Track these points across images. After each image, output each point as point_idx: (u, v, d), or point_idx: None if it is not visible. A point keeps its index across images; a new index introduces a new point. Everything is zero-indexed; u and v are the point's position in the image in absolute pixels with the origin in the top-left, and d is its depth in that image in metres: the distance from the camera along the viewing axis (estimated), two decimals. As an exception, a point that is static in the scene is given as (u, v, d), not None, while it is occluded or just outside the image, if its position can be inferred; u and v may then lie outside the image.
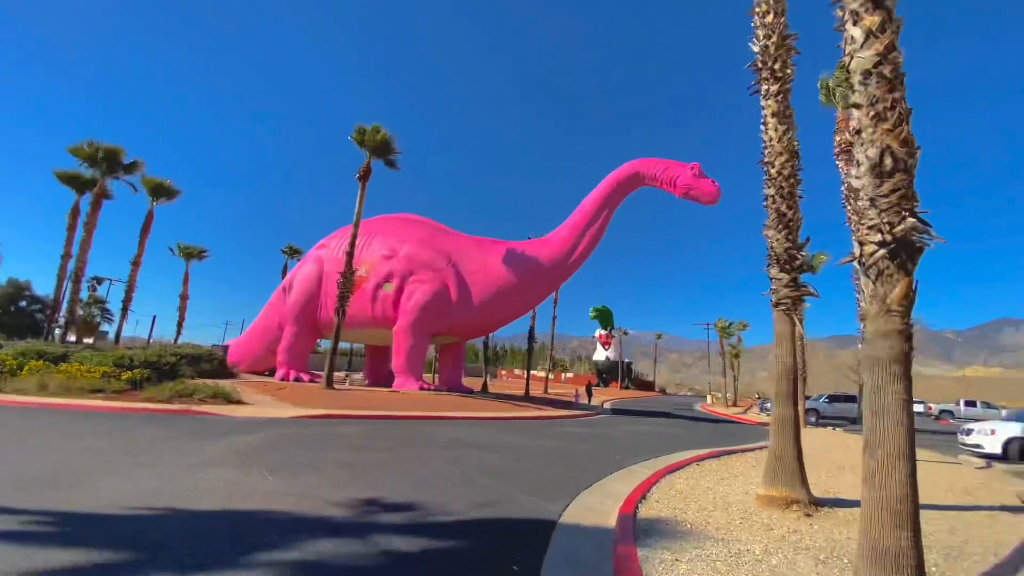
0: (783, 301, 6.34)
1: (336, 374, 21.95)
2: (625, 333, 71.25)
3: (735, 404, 44.05)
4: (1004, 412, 29.22)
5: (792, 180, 6.47)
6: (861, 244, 3.38)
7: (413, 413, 14.85)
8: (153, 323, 48.12)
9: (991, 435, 13.01)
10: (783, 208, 6.43)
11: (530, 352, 32.11)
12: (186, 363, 22.29)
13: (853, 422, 25.46)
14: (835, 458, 10.83)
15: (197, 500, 4.62)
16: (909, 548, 2.91)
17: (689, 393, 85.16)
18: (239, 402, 14.68)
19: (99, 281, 46.25)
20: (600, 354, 71.82)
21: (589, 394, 30.35)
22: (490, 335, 32.79)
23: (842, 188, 12.31)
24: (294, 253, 41.79)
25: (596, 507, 5.64)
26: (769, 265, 6.59)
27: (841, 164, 12.34)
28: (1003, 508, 6.64)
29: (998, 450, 12.67)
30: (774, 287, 6.45)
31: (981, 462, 12.06)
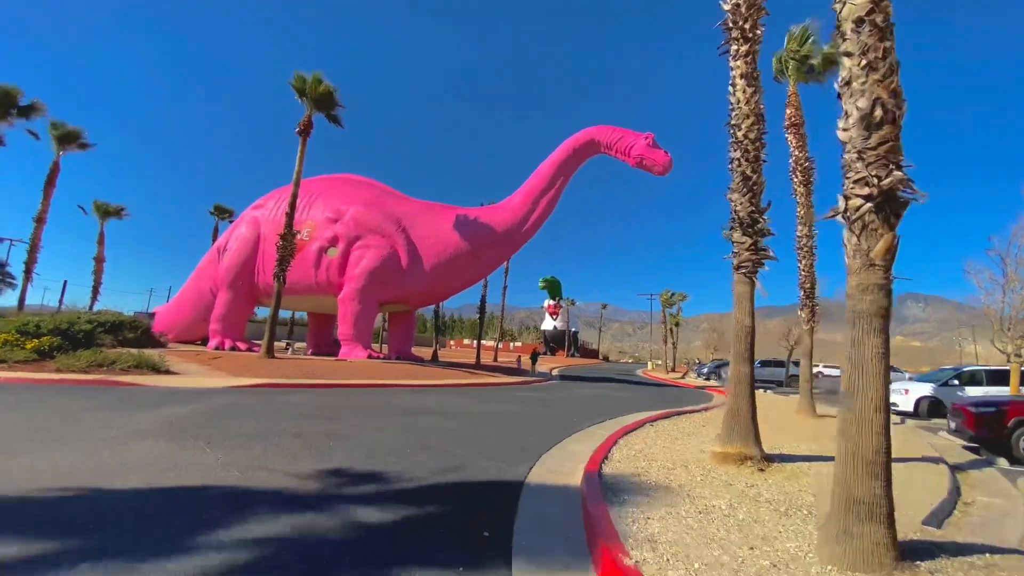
0: (744, 264, 6.41)
1: (276, 343, 20.84)
2: (572, 303, 72.68)
3: (673, 370, 46.37)
4: (907, 375, 32.72)
5: (758, 144, 6.46)
6: (846, 198, 3.32)
7: (363, 381, 14.34)
8: (64, 289, 43.20)
9: (905, 395, 14.33)
10: (748, 171, 6.43)
11: (481, 321, 31.97)
12: (105, 331, 20.45)
13: (780, 385, 27.45)
14: (771, 418, 11.49)
15: (125, 477, 4.08)
16: (882, 497, 2.97)
17: (630, 360, 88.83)
18: (168, 372, 13.58)
19: (-5, 241, 41.15)
20: (548, 323, 73.03)
21: (534, 361, 30.78)
22: (440, 304, 32.34)
23: (790, 161, 12.70)
24: (223, 214, 38.91)
25: (559, 468, 5.58)
26: (732, 228, 6.62)
27: (791, 138, 12.68)
28: (923, 459, 7.23)
29: (911, 408, 13.99)
30: (736, 251, 6.50)
31: (896, 419, 13.27)
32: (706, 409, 12.38)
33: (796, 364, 27.38)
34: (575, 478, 5.19)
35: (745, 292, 6.38)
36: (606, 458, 6.02)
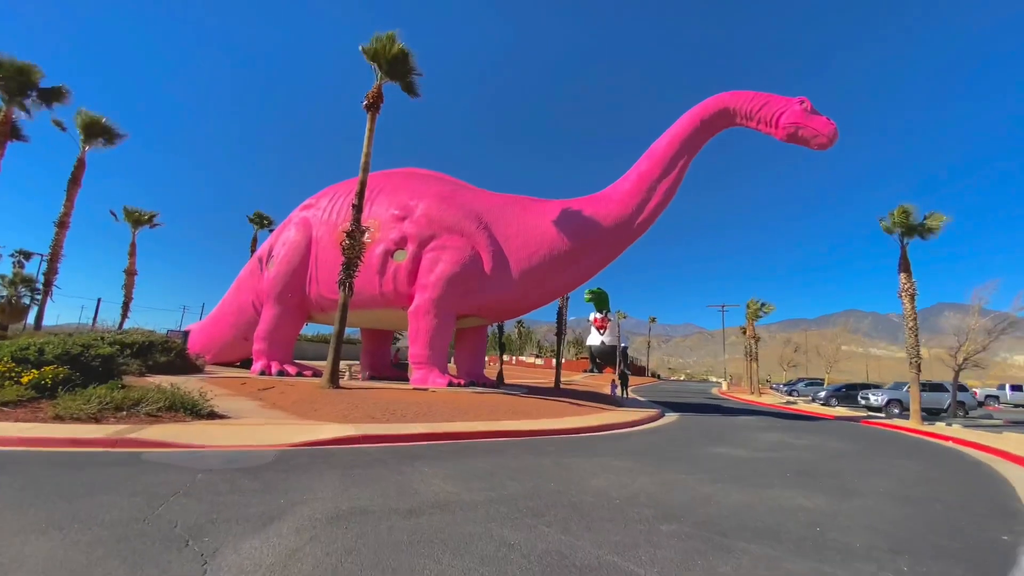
0: None
1: (317, 363, 16.76)
2: (624, 316, 67.58)
3: (758, 391, 41.03)
4: None
5: None
6: None
7: (479, 427, 10.14)
8: (98, 307, 40.40)
9: None
10: None
11: (559, 338, 27.55)
12: (132, 355, 16.93)
13: (940, 413, 22.22)
14: None
15: None
16: None
17: (683, 378, 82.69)
18: (211, 415, 9.63)
19: (26, 256, 38.88)
20: (595, 338, 68.05)
21: (624, 385, 26.18)
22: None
23: None
24: (263, 222, 35.79)
25: None
26: None
27: None
28: None
29: None
30: None
31: None
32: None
33: (963, 389, 22.20)
34: None
35: None
36: None
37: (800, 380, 42.34)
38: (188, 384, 11.79)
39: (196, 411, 9.48)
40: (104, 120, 20.63)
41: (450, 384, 16.52)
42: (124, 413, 8.87)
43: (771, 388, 43.74)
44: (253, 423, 9.45)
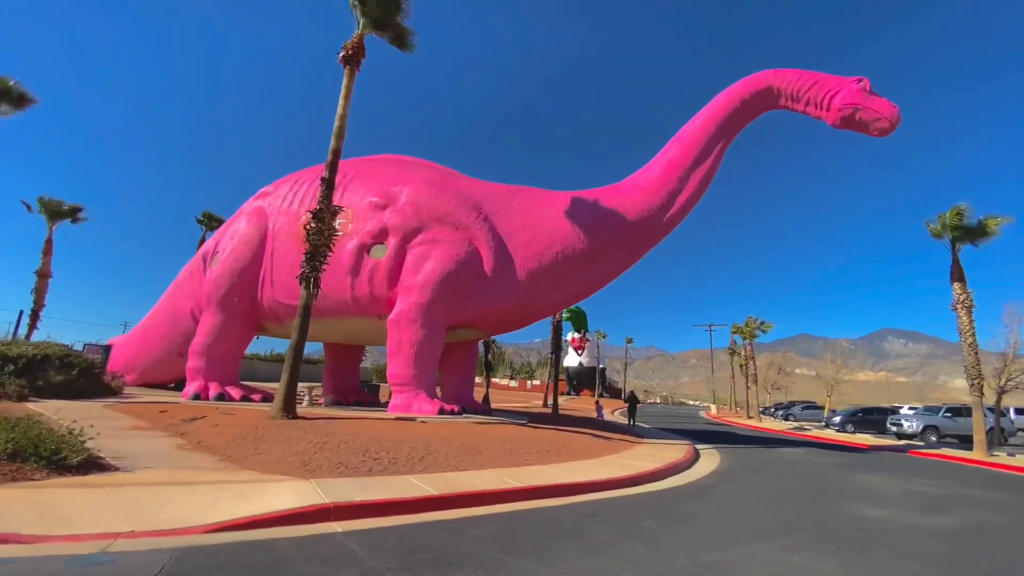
0: None
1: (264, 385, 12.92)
2: (603, 336, 65.06)
3: (749, 415, 38.91)
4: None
5: None
6: None
7: (513, 481, 6.85)
8: (19, 319, 33.16)
9: None
10: None
11: (555, 356, 24.38)
12: (15, 372, 12.90)
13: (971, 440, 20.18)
14: None
15: None
16: None
17: (659, 401, 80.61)
18: (86, 466, 5.99)
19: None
20: (572, 359, 65.12)
21: (632, 414, 23.07)
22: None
23: None
24: (214, 223, 31.50)
25: None
26: None
27: None
28: None
29: None
30: None
31: None
32: None
33: (1002, 414, 20.29)
34: None
35: None
36: None
37: (794, 404, 40.48)
38: (79, 412, 8.03)
39: (58, 460, 5.84)
40: (11, 82, 16.52)
41: (441, 411, 13.11)
42: (-81, 467, 5.19)
43: (759, 412, 41.61)
44: (153, 480, 5.86)
